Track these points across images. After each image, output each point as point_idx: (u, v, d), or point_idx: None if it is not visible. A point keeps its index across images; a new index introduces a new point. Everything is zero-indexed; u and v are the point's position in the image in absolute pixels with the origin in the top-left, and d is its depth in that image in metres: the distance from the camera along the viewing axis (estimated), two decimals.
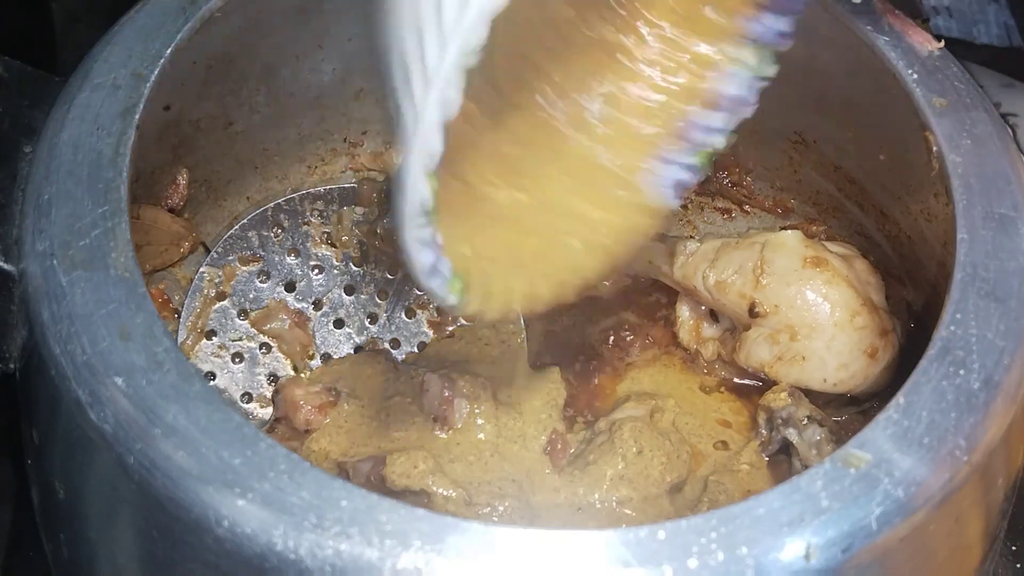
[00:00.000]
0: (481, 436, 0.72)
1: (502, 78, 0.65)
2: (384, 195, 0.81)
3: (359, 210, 0.81)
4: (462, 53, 0.53)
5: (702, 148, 0.66)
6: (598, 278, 0.66)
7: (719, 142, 0.66)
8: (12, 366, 0.64)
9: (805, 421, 0.73)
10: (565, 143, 0.66)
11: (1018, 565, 0.79)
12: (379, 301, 0.81)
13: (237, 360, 0.78)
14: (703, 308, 0.82)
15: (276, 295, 0.80)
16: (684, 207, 0.89)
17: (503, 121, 0.65)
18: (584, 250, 0.65)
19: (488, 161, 0.65)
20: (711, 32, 0.66)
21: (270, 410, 0.76)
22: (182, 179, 0.78)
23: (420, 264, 0.58)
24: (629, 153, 0.66)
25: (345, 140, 0.87)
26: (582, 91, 0.66)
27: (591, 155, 0.66)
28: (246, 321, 0.79)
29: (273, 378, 0.78)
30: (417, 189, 0.55)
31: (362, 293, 0.81)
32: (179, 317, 0.77)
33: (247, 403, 0.77)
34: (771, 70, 0.66)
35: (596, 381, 0.82)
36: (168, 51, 0.68)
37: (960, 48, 1.01)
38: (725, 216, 0.88)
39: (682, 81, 0.66)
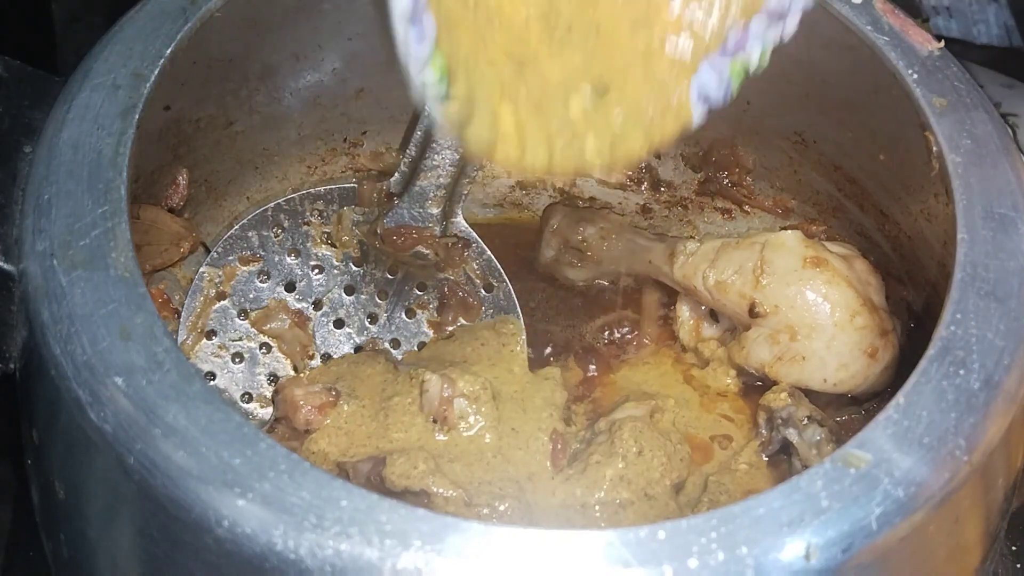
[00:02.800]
0: (481, 436, 0.72)
1: None
2: (384, 195, 0.81)
3: (359, 210, 0.81)
4: None
5: (737, 56, 0.63)
6: (586, 162, 0.63)
7: (754, 53, 0.63)
8: (12, 366, 0.64)
9: (805, 421, 0.73)
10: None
11: (1018, 565, 0.79)
12: (379, 301, 0.81)
13: (237, 360, 0.78)
14: (703, 308, 0.82)
15: (276, 295, 0.80)
16: (684, 207, 0.89)
17: None
18: (591, 118, 0.63)
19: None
20: None
21: (270, 410, 0.76)
22: (182, 179, 0.78)
23: (397, 5, 0.55)
24: (670, 38, 0.63)
25: (345, 140, 0.87)
26: None
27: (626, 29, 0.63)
28: (246, 321, 0.79)
29: (273, 378, 0.78)
30: None
31: (362, 293, 0.81)
32: (179, 317, 0.77)
33: (247, 403, 0.77)
34: None
35: (596, 381, 0.82)
36: (168, 51, 0.68)
37: (960, 48, 1.02)
38: (725, 216, 0.88)
39: None
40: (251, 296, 0.79)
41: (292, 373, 0.78)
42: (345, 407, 0.73)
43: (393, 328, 0.81)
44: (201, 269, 0.78)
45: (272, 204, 0.80)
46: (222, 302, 0.78)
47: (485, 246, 0.81)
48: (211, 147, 0.80)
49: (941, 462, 0.56)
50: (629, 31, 0.63)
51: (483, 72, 0.61)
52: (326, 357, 0.79)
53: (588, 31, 0.63)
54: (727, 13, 0.63)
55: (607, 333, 0.84)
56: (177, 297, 0.78)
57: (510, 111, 0.61)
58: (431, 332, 0.81)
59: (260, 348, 0.79)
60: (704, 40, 0.63)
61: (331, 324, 0.80)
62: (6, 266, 0.62)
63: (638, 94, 0.63)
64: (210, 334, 0.78)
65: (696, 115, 0.63)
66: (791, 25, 0.63)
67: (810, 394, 0.75)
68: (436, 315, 0.82)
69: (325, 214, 0.81)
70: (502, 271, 0.81)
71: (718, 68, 0.63)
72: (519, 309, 0.81)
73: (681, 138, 0.64)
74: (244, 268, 0.79)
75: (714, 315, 0.81)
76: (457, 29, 0.60)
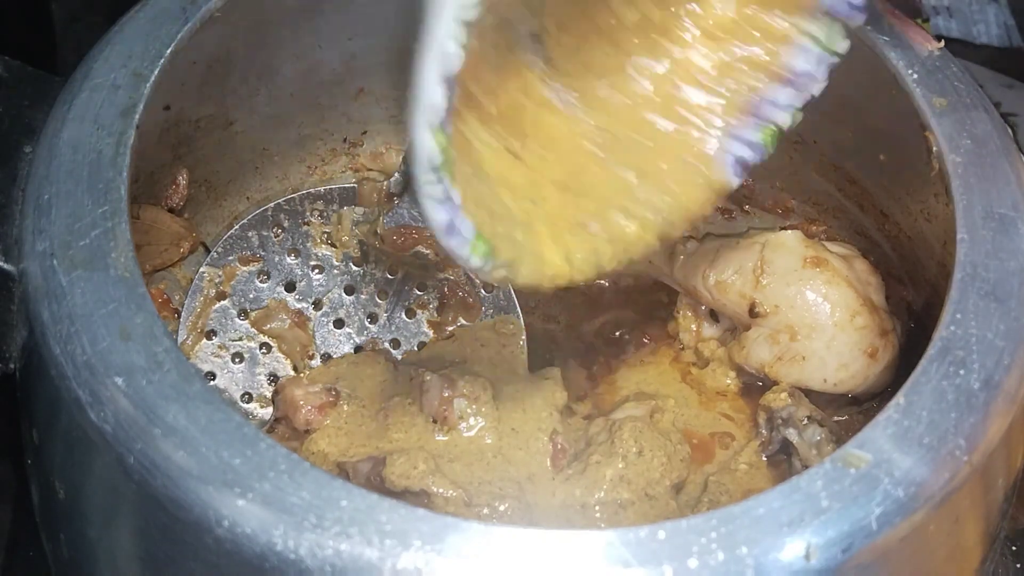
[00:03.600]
0: (481, 437, 0.72)
1: (557, 37, 0.65)
2: (384, 195, 0.81)
3: (359, 210, 0.81)
4: (458, 6, 0.52)
5: (767, 125, 0.66)
6: (640, 255, 0.66)
7: (784, 119, 0.66)
8: (12, 366, 0.64)
9: (805, 421, 0.73)
10: (624, 109, 0.66)
11: (1018, 565, 0.79)
12: (379, 301, 0.81)
13: (237, 360, 0.78)
14: (703, 308, 0.82)
15: (276, 295, 0.80)
16: None
17: (556, 79, 0.65)
18: (631, 224, 0.65)
19: (536, 124, 0.65)
20: (785, 4, 0.66)
21: (270, 410, 0.76)
22: (182, 179, 0.78)
23: (435, 222, 0.57)
24: (692, 123, 0.66)
25: (345, 140, 0.87)
26: (648, 55, 0.66)
27: (650, 122, 0.66)
28: (246, 321, 0.79)
29: (273, 378, 0.78)
30: (424, 144, 0.55)
31: (362, 293, 0.81)
32: (179, 317, 0.77)
33: (247, 403, 0.77)
34: (842, 46, 0.66)
35: (596, 381, 0.82)
36: (168, 51, 0.68)
37: (960, 48, 1.01)
38: (725, 216, 0.88)
39: (752, 53, 0.66)
40: (251, 296, 0.79)
41: (292, 373, 0.78)
42: (345, 407, 0.73)
43: (393, 328, 0.81)
44: (201, 269, 0.78)
45: (272, 204, 0.80)
46: (222, 302, 0.78)
47: None
48: (211, 147, 0.80)
49: (941, 462, 0.56)
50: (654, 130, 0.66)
51: (524, 223, 0.63)
52: (326, 357, 0.79)
53: (630, 139, 0.66)
54: (744, 94, 0.66)
55: (607, 333, 0.84)
56: (177, 297, 0.78)
57: (556, 250, 0.64)
58: (431, 332, 0.81)
59: (260, 348, 0.79)
60: (725, 121, 0.66)
61: (331, 324, 0.80)
62: (6, 266, 0.62)
63: (669, 179, 0.66)
64: (210, 334, 0.78)
65: (733, 180, 0.67)
66: (818, 88, 0.66)
67: (810, 394, 0.75)
68: (436, 315, 0.82)
69: (325, 214, 0.81)
70: None
71: (747, 139, 0.66)
72: (519, 309, 0.81)
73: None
74: (244, 268, 0.79)
75: (714, 315, 0.81)
76: (494, 199, 0.63)
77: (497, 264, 0.60)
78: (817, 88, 0.66)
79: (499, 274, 0.61)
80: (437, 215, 0.57)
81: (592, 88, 0.66)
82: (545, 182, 0.64)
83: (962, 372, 0.59)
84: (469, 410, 0.72)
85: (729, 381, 0.80)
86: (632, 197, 0.65)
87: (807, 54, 0.66)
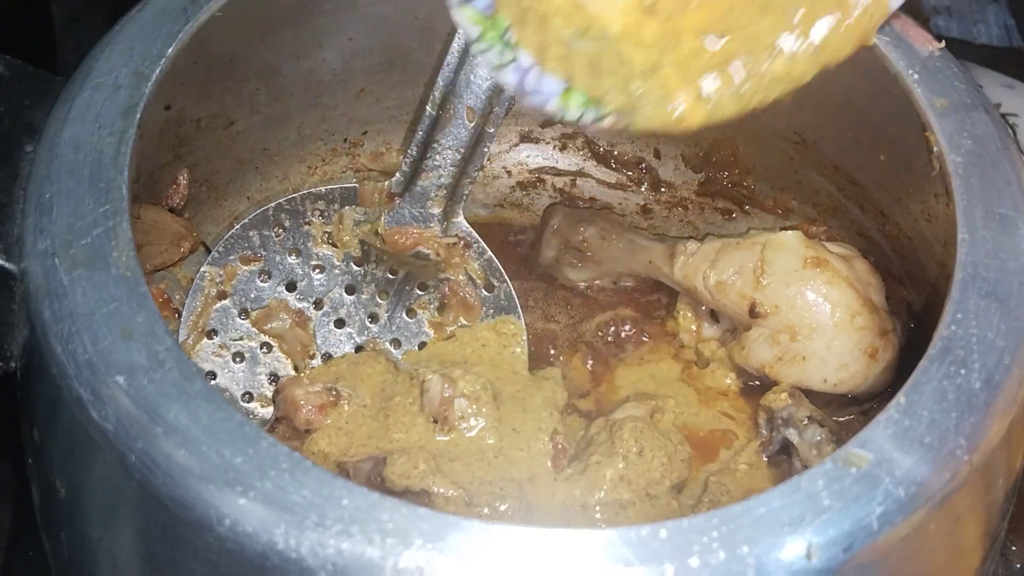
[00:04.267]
0: (481, 437, 0.72)
1: None
2: (385, 195, 0.81)
3: (360, 210, 0.81)
4: None
5: None
6: (788, 89, 0.64)
7: None
8: (13, 365, 0.64)
9: (805, 421, 0.73)
10: None
11: (1018, 565, 0.79)
12: (380, 301, 0.81)
13: (238, 359, 0.78)
14: (703, 308, 0.82)
15: (277, 295, 0.80)
16: (684, 207, 0.90)
17: None
18: (777, 61, 0.64)
19: None
20: None
21: (271, 410, 0.76)
22: (183, 179, 0.78)
23: (506, 84, 0.59)
24: None
25: (345, 140, 0.87)
26: None
27: None
28: (247, 321, 0.79)
29: (274, 378, 0.78)
30: (457, 22, 0.57)
31: (363, 293, 0.81)
32: (180, 316, 0.77)
33: (248, 402, 0.77)
34: None
35: (597, 381, 0.82)
36: (169, 51, 0.68)
37: (960, 48, 1.01)
38: (725, 216, 0.88)
39: None
40: (252, 296, 0.79)
41: (293, 373, 0.78)
42: (346, 407, 0.73)
43: (394, 328, 0.81)
44: (202, 269, 0.78)
45: (273, 204, 0.80)
46: (223, 301, 0.78)
47: (486, 246, 0.81)
48: (212, 147, 0.80)
49: (942, 462, 0.56)
50: None
51: (646, 70, 0.62)
52: (327, 357, 0.79)
53: None
54: None
55: (607, 333, 0.84)
56: (178, 296, 0.78)
57: (687, 90, 0.62)
58: (432, 332, 0.81)
59: (261, 348, 0.79)
60: None
61: (332, 324, 0.80)
62: (7, 265, 0.62)
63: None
64: (211, 333, 0.78)
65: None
66: None
67: (810, 394, 0.75)
68: (437, 315, 0.82)
69: (326, 214, 0.81)
70: (503, 271, 0.81)
71: None
72: (520, 309, 0.81)
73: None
74: (245, 268, 0.79)
75: (714, 315, 0.81)
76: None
77: (604, 113, 0.60)
78: None
79: (611, 121, 0.60)
80: (504, 78, 0.58)
81: None
82: (682, 29, 0.63)
83: (963, 372, 0.59)
84: (470, 410, 0.72)
85: (729, 381, 0.80)
86: (786, 26, 0.64)
87: None
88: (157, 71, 0.67)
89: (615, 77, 0.61)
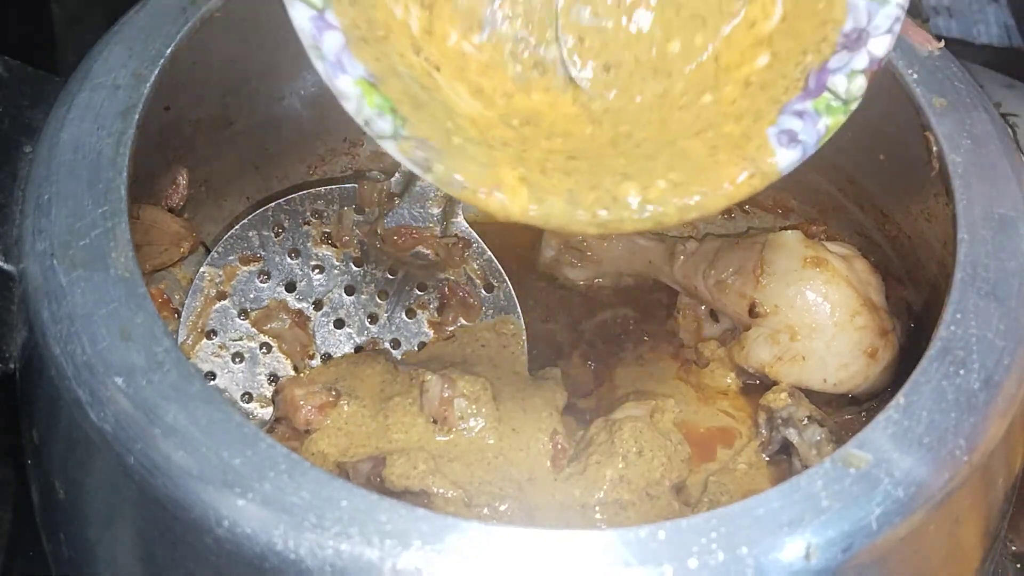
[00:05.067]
0: (481, 437, 0.72)
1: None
2: (384, 195, 0.81)
3: (359, 210, 0.81)
4: None
5: (821, 96, 0.59)
6: (635, 227, 0.57)
7: (839, 86, 0.59)
8: (12, 366, 0.64)
9: (805, 421, 0.73)
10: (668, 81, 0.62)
11: (1018, 565, 0.79)
12: (379, 301, 0.81)
13: (237, 360, 0.78)
14: (703, 308, 0.82)
15: (276, 295, 0.80)
16: None
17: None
18: (631, 186, 0.58)
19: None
20: None
21: (270, 410, 0.76)
22: (182, 179, 0.78)
23: (297, 23, 0.55)
24: (741, 91, 0.60)
25: (345, 140, 0.87)
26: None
27: (698, 92, 0.61)
28: (246, 321, 0.79)
29: (273, 378, 0.78)
30: None
31: (362, 293, 0.81)
32: (179, 317, 0.77)
33: (247, 403, 0.77)
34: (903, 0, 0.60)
35: (596, 381, 0.82)
36: (168, 51, 0.68)
37: (960, 48, 1.01)
38: (725, 216, 0.88)
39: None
40: (251, 296, 0.79)
41: (292, 373, 0.78)
42: (345, 407, 0.73)
43: (393, 328, 0.81)
44: (201, 269, 0.78)
45: (272, 204, 0.80)
46: (222, 302, 0.78)
47: (485, 246, 0.81)
48: (211, 147, 0.80)
49: (941, 462, 0.56)
50: (680, 100, 0.61)
51: (475, 139, 0.58)
52: (326, 357, 0.79)
53: (631, 108, 0.61)
54: (799, 62, 0.60)
55: (607, 333, 0.84)
56: (177, 297, 0.77)
57: (512, 173, 0.57)
58: (431, 332, 0.81)
59: (260, 348, 0.79)
60: (773, 93, 0.60)
61: (331, 324, 0.80)
62: (6, 266, 0.62)
63: (697, 155, 0.59)
64: (210, 334, 0.78)
65: (783, 158, 0.59)
66: (879, 48, 0.59)
67: (810, 394, 0.75)
68: (436, 315, 0.82)
69: (325, 214, 0.81)
70: (502, 271, 0.81)
71: (800, 108, 0.59)
72: (519, 310, 0.81)
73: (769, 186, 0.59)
74: (244, 268, 0.79)
75: (714, 315, 0.81)
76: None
77: (404, 132, 0.55)
78: (878, 46, 0.59)
79: (407, 149, 0.55)
80: (301, 22, 0.54)
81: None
82: (535, 142, 0.59)
83: (962, 372, 0.59)
84: (469, 410, 0.72)
85: (729, 381, 0.80)
86: (646, 166, 0.58)
87: (865, 11, 0.59)
88: (156, 72, 0.67)
89: (434, 119, 0.57)
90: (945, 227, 0.69)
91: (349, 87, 0.56)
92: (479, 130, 0.59)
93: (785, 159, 0.59)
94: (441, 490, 0.68)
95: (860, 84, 0.59)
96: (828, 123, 0.59)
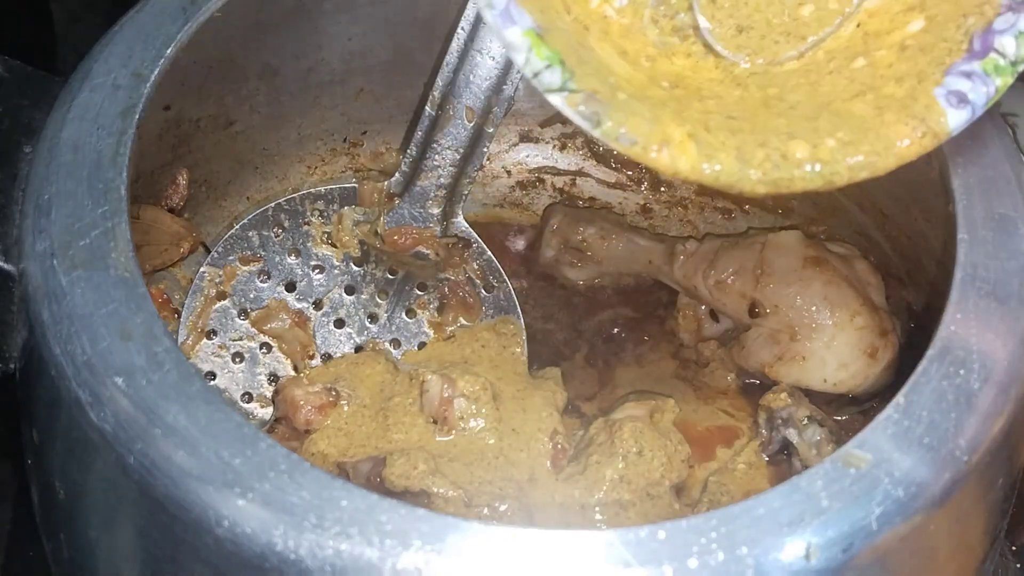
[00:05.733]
0: (481, 437, 0.72)
1: None
2: (384, 195, 0.81)
3: (359, 210, 0.81)
4: None
5: (988, 56, 0.59)
6: (806, 186, 0.57)
7: (1008, 47, 0.58)
8: (12, 366, 0.64)
9: (805, 421, 0.73)
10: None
11: (1018, 565, 0.79)
12: (379, 301, 0.81)
13: (237, 360, 0.78)
14: (703, 308, 0.82)
15: (276, 295, 0.80)
16: (684, 207, 0.89)
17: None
18: (802, 146, 0.57)
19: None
20: None
21: (270, 410, 0.76)
22: (182, 179, 0.78)
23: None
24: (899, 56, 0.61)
25: (345, 140, 0.87)
26: None
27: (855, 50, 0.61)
28: (246, 321, 0.79)
29: (273, 378, 0.78)
30: None
31: (362, 293, 0.81)
32: (179, 317, 0.77)
33: (247, 403, 0.77)
34: None
35: (596, 381, 0.82)
36: (168, 51, 0.68)
37: None
38: (725, 216, 0.88)
39: None
40: (251, 296, 0.79)
41: (292, 373, 0.78)
42: (345, 407, 0.74)
43: (393, 328, 0.81)
44: (201, 269, 0.78)
45: (272, 204, 0.80)
46: (222, 302, 0.78)
47: (485, 246, 0.81)
48: (211, 147, 0.80)
49: (941, 462, 0.56)
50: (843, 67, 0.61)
51: (644, 97, 0.58)
52: (326, 357, 0.79)
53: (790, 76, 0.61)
54: (960, 24, 0.60)
55: (607, 333, 0.84)
56: (177, 297, 0.78)
57: (679, 129, 0.57)
58: (431, 332, 0.81)
59: (260, 348, 0.79)
60: (935, 55, 0.60)
61: (331, 324, 0.80)
62: (6, 266, 0.62)
63: (862, 115, 0.59)
64: (210, 334, 0.78)
65: (954, 118, 0.58)
66: None
67: (810, 394, 0.75)
68: (436, 315, 0.82)
69: (325, 214, 0.81)
70: (502, 271, 0.81)
71: (967, 69, 0.59)
72: (519, 309, 0.81)
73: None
74: (244, 268, 0.79)
75: (714, 315, 0.81)
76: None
77: (573, 86, 0.55)
78: None
79: (578, 102, 0.55)
80: None
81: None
82: (680, 97, 0.59)
83: (962, 372, 0.59)
84: (469, 410, 0.72)
85: (729, 381, 0.80)
86: (809, 126, 0.58)
87: None
88: (156, 72, 0.67)
89: (598, 74, 0.57)
90: (945, 227, 0.69)
91: (518, 38, 0.55)
92: (635, 89, 0.59)
93: (955, 119, 0.59)
94: (441, 490, 0.68)
95: None
96: (998, 84, 0.59)
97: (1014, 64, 0.59)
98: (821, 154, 0.57)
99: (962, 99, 0.58)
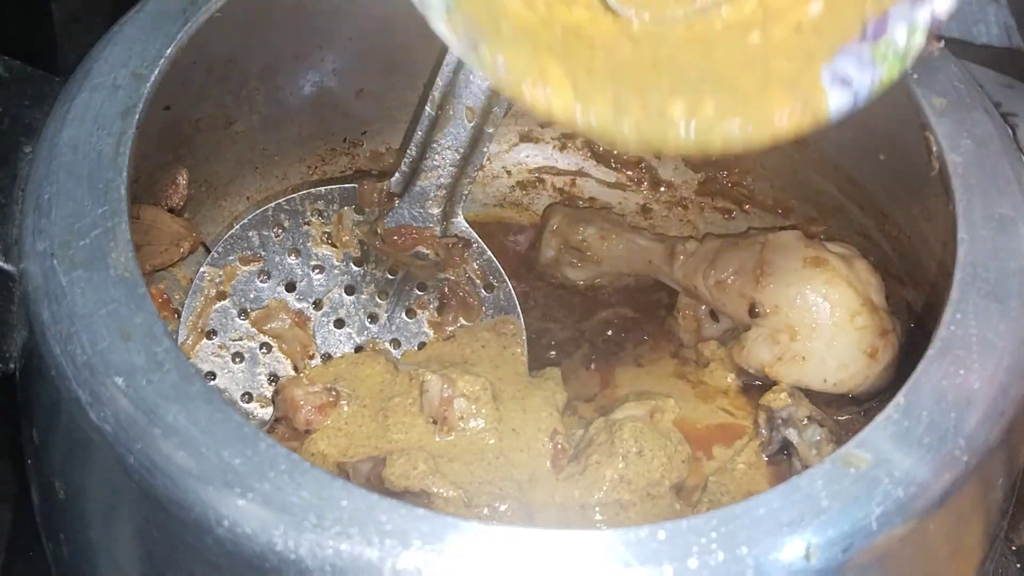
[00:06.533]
0: (481, 437, 0.72)
1: None
2: (384, 195, 0.81)
3: (359, 210, 0.81)
4: None
5: (879, 41, 0.58)
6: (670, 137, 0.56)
7: (899, 36, 0.58)
8: (12, 366, 0.64)
9: (805, 421, 0.73)
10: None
11: (1018, 565, 0.79)
12: (379, 301, 0.81)
13: (237, 360, 0.78)
14: (703, 308, 0.82)
15: (276, 295, 0.80)
16: (684, 207, 0.89)
17: None
18: (678, 103, 0.57)
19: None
20: None
21: (270, 410, 0.76)
22: (182, 179, 0.78)
23: None
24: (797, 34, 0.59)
25: (345, 140, 0.87)
26: None
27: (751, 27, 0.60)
28: (246, 321, 0.79)
29: (273, 378, 0.78)
30: None
31: (362, 293, 0.81)
32: (179, 317, 0.77)
33: (247, 403, 0.77)
34: None
35: (596, 381, 0.82)
36: (168, 51, 0.68)
37: (960, 48, 1.01)
38: (725, 216, 0.88)
39: None
40: (251, 296, 0.79)
41: (292, 373, 0.78)
42: (345, 407, 0.74)
43: (393, 328, 0.81)
44: (201, 269, 0.78)
45: (272, 204, 0.80)
46: (222, 302, 0.78)
47: (485, 246, 0.81)
48: (211, 147, 0.80)
49: (941, 462, 0.56)
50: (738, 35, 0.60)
51: (526, 31, 0.57)
52: (326, 357, 0.79)
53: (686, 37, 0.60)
54: (859, 10, 0.58)
55: (607, 333, 0.84)
56: (177, 297, 0.78)
57: (562, 73, 0.56)
58: (431, 332, 0.81)
59: (260, 348, 0.79)
60: (828, 37, 0.58)
61: (331, 324, 0.80)
62: (6, 266, 0.62)
63: (746, 86, 0.58)
64: (210, 334, 0.78)
65: (834, 100, 0.57)
66: (942, 5, 0.58)
67: (810, 394, 0.75)
68: (436, 315, 0.82)
69: (325, 214, 0.81)
70: (502, 271, 0.81)
71: (856, 52, 0.58)
72: (519, 309, 0.81)
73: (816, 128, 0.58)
74: (244, 268, 0.79)
75: (714, 315, 0.81)
76: None
77: (457, 14, 0.55)
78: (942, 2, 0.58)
79: (464, 32, 0.54)
80: None
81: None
82: (571, 43, 0.58)
83: (962, 372, 0.59)
84: (469, 410, 0.72)
85: (729, 381, 0.80)
86: (693, 87, 0.57)
87: None
88: (156, 72, 0.67)
89: (485, 3, 0.56)
90: (945, 227, 0.69)
91: None
92: (523, 27, 0.58)
93: (836, 100, 0.58)
94: (441, 490, 0.68)
95: (919, 40, 0.58)
96: (882, 75, 0.58)
97: (903, 56, 0.58)
98: (698, 114, 0.56)
99: (845, 82, 0.57)
